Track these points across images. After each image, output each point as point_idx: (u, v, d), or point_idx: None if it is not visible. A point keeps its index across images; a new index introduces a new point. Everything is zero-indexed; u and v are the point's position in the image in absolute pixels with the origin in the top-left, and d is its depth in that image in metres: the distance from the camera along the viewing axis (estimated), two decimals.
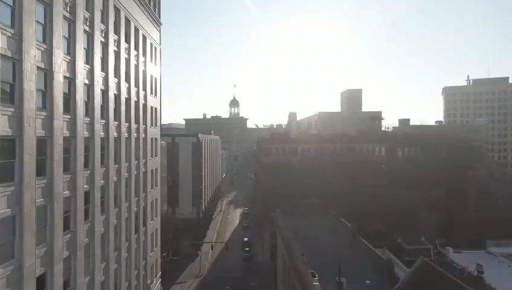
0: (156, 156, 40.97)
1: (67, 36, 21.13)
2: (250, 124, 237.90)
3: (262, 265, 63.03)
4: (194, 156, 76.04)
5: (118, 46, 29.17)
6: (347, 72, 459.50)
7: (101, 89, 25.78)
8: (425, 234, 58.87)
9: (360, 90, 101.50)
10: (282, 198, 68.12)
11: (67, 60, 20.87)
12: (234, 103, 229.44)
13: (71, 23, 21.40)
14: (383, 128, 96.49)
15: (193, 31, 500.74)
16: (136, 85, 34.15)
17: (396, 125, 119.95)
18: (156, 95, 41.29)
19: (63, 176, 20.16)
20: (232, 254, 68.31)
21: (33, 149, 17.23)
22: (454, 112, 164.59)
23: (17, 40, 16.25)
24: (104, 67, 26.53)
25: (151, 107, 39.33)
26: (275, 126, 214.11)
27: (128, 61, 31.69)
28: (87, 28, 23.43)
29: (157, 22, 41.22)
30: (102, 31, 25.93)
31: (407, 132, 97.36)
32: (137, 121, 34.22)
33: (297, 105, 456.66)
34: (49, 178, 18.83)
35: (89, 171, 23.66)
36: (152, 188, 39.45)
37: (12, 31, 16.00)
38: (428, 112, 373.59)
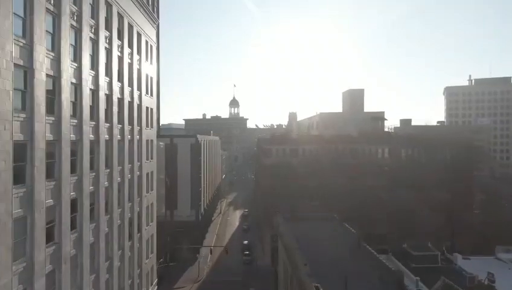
0: (151, 158, 39.31)
1: (50, 31, 19.46)
2: (250, 124, 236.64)
3: (263, 269, 61.49)
4: (193, 158, 74.32)
5: (110, 43, 27.51)
6: (347, 72, 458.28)
7: (91, 89, 24.11)
8: (428, 235, 57.67)
9: (362, 90, 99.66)
10: (283, 200, 66.59)
11: (51, 57, 19.21)
12: (234, 103, 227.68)
13: (56, 17, 19.73)
14: (385, 129, 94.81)
15: (193, 31, 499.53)
16: (130, 84, 32.50)
17: (397, 125, 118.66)
18: (151, 95, 39.64)
19: (46, 183, 18.50)
20: (231, 257, 66.75)
21: (9, 155, 15.57)
22: (456, 112, 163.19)
23: None
24: (94, 65, 24.88)
25: (147, 108, 37.68)
26: (275, 126, 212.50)
27: (121, 59, 30.04)
28: (74, 23, 21.75)
29: (153, 19, 39.57)
30: (91, 27, 24.26)
31: (409, 132, 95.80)
32: (131, 123, 32.57)
33: (297, 105, 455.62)
34: (29, 186, 17.17)
35: (76, 177, 21.99)
36: (148, 192, 37.81)
37: None
38: (428, 112, 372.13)
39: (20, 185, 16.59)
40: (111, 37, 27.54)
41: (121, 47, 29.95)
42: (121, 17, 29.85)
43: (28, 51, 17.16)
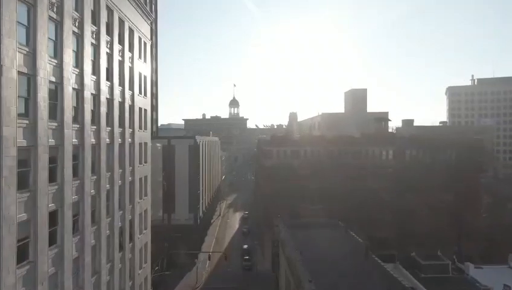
0: (145, 162, 37.09)
1: (25, 23, 17.29)
2: (250, 124, 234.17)
3: (263, 275, 59.49)
4: (191, 159, 72.11)
5: (97, 38, 25.30)
6: (347, 72, 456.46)
7: (74, 88, 21.88)
8: (433, 238, 55.59)
9: (365, 90, 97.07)
10: (284, 203, 64.61)
11: (24, 53, 17.01)
12: (234, 103, 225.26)
13: (31, 7, 17.55)
14: (389, 130, 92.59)
15: (193, 31, 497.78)
16: (121, 84, 30.29)
17: (398, 126, 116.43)
18: (145, 94, 37.43)
19: (18, 195, 16.32)
20: (231, 262, 64.76)
21: None
22: (458, 112, 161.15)
23: None
24: (79, 62, 22.65)
25: (140, 109, 35.47)
26: (276, 126, 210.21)
27: (110, 56, 27.83)
28: (53, 15, 19.53)
29: (147, 14, 37.36)
30: (75, 20, 22.04)
31: (413, 133, 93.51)
32: (122, 125, 30.34)
33: (297, 105, 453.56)
34: None
35: (56, 187, 19.78)
36: (141, 198, 35.61)
37: None
38: (428, 112, 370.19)
39: None
40: (99, 32, 25.33)
41: (111, 43, 27.74)
42: (110, 11, 27.65)
43: None
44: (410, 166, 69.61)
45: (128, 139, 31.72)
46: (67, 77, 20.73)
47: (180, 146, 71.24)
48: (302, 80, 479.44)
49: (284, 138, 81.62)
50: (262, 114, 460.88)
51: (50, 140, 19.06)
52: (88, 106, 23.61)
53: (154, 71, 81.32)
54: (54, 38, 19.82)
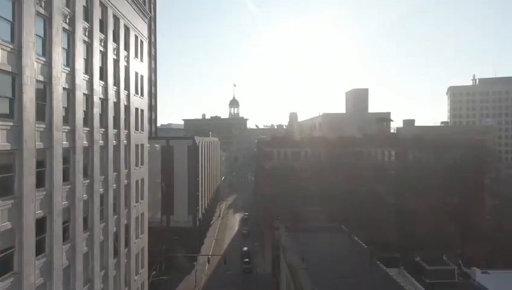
0: (142, 164, 35.98)
1: (9, 19, 16.19)
2: (250, 125, 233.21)
3: (263, 279, 58.45)
4: (190, 160, 70.99)
5: (90, 36, 24.19)
6: (347, 72, 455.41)
7: (64, 88, 20.78)
8: (436, 241, 54.52)
9: (367, 89, 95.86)
10: (284, 204, 63.46)
11: (9, 50, 15.93)
12: (234, 103, 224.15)
13: (15, 2, 16.44)
14: (391, 131, 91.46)
15: (193, 31, 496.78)
16: (116, 84, 29.20)
17: (399, 126, 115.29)
18: (142, 95, 36.32)
19: (0, 202, 15.24)
20: (230, 265, 63.72)
21: None
22: (460, 112, 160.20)
23: None
24: (70, 61, 21.55)
25: (136, 109, 34.36)
26: (276, 127, 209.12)
27: (104, 55, 26.73)
28: (42, 11, 18.44)
29: (144, 12, 36.24)
30: (66, 17, 20.94)
31: (414, 133, 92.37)
32: (117, 126, 29.25)
33: (298, 105, 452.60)
34: None
35: (44, 192, 18.68)
36: (137, 201, 34.49)
37: None
38: (429, 112, 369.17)
39: None
40: (91, 29, 24.23)
41: (105, 41, 26.65)
42: (104, 8, 26.54)
43: None
44: (413, 167, 68.50)
45: (123, 141, 30.63)
46: (56, 76, 19.63)
47: (179, 147, 70.14)
48: (302, 80, 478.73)
49: (284, 139, 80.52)
50: (262, 114, 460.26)
51: (37, 143, 17.96)
52: (80, 107, 22.51)
53: (154, 71, 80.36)
54: (42, 35, 18.72)
